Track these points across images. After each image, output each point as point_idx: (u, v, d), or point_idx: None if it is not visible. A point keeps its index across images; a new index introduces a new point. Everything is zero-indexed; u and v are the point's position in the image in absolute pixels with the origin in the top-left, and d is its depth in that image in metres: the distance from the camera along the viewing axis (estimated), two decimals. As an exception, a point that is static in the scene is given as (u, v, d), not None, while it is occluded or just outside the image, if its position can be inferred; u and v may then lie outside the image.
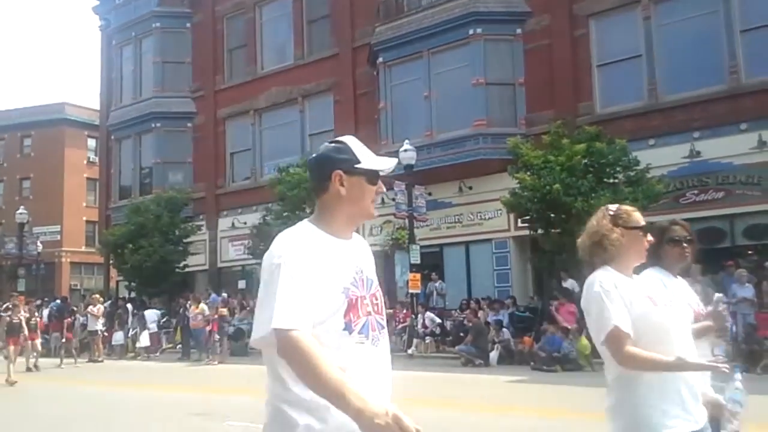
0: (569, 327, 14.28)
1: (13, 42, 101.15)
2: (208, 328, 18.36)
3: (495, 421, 8.68)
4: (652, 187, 14.65)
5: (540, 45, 19.20)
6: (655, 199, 14.70)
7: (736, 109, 16.06)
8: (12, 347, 14.85)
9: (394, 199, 18.94)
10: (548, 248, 15.45)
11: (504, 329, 15.82)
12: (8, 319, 15.57)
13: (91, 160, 42.31)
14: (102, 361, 19.34)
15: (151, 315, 21.71)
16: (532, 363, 14.40)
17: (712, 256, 15.77)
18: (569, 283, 16.38)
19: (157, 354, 20.83)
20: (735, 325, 13.22)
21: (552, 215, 15.22)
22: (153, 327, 21.35)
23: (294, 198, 19.90)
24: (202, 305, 18.78)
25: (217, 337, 18.07)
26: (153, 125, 28.04)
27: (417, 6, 21.26)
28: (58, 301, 23.46)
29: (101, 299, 21.11)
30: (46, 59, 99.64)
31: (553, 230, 15.31)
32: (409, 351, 17.20)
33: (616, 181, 15.25)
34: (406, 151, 18.49)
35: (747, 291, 13.97)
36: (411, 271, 18.18)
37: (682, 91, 16.95)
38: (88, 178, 42.97)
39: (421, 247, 18.67)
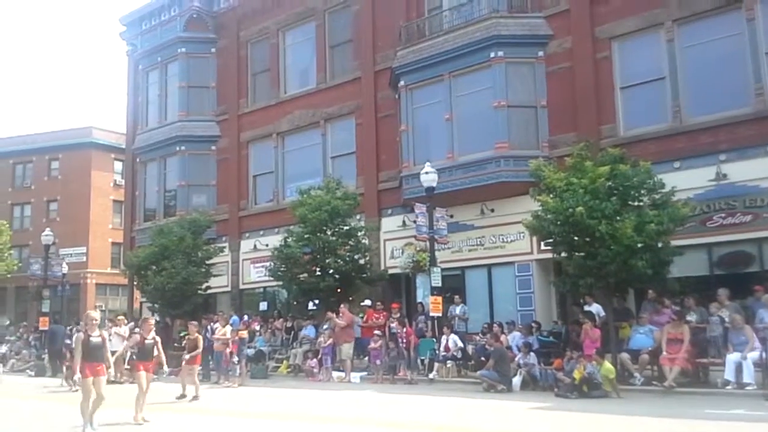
0: (590, 354, 13.99)
1: (42, 66, 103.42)
2: (228, 350, 18.30)
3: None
4: (678, 210, 14.38)
5: (562, 67, 19.13)
6: (680, 222, 14.43)
7: (762, 132, 15.78)
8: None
9: (415, 222, 18.91)
10: (572, 272, 15.20)
11: (531, 353, 15.57)
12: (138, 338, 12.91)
13: (117, 182, 42.92)
14: (123, 383, 19.22)
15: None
16: (555, 389, 14.13)
17: (739, 281, 15.47)
18: (594, 308, 16.13)
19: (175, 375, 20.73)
20: (765, 352, 12.89)
21: (575, 238, 14.98)
22: None
23: (315, 220, 19.90)
24: (227, 328, 18.74)
25: (236, 359, 17.99)
26: (178, 148, 28.37)
27: (438, 30, 21.33)
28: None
29: (125, 320, 21.17)
30: (74, 84, 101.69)
31: (576, 253, 15.07)
32: (431, 375, 17.00)
33: (641, 204, 14.99)
34: (427, 173, 18.46)
35: (776, 316, 13.61)
36: (432, 294, 18.03)
37: (707, 114, 16.73)
38: (114, 201, 43.61)
39: (443, 269, 18.53)
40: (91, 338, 10.19)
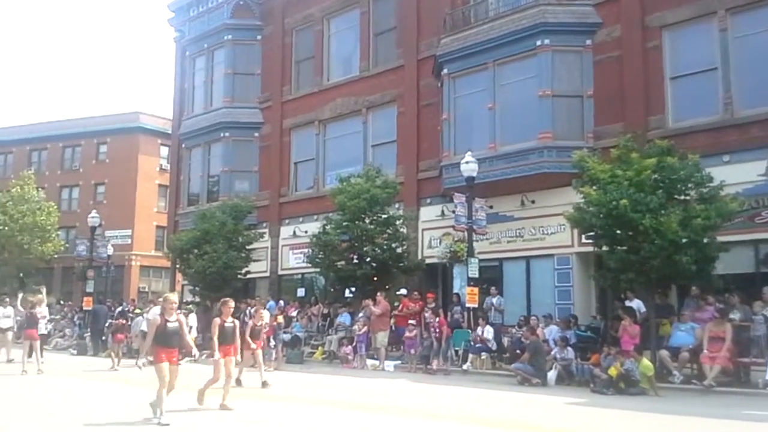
0: (628, 350, 13.66)
1: (93, 52, 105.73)
2: (264, 334, 18.38)
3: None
4: (726, 205, 13.91)
5: (610, 56, 18.66)
6: (728, 217, 13.98)
7: (816, 126, 15.19)
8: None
9: (453, 212, 18.73)
10: (613, 266, 14.85)
11: (569, 348, 15.30)
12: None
13: (163, 167, 43.56)
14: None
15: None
16: (591, 385, 13.85)
17: (787, 280, 14.92)
18: (635, 303, 15.77)
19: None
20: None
21: (618, 232, 14.63)
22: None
23: (353, 208, 19.87)
24: (266, 312, 18.87)
25: (272, 343, 18.10)
26: (222, 135, 28.65)
27: (484, 17, 21.03)
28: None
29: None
30: (123, 69, 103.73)
31: (618, 247, 14.72)
32: (464, 366, 16.86)
33: (688, 198, 14.57)
34: (467, 163, 18.26)
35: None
36: (469, 285, 17.86)
37: (759, 106, 16.12)
38: (159, 185, 44.29)
39: (480, 260, 18.34)
40: (168, 323, 9.45)
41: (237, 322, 11.36)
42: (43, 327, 18.40)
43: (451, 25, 21.67)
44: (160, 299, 20.23)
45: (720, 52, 16.92)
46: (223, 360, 10.64)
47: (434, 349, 17.16)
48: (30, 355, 16.75)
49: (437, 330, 17.17)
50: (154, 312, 18.85)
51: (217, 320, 10.94)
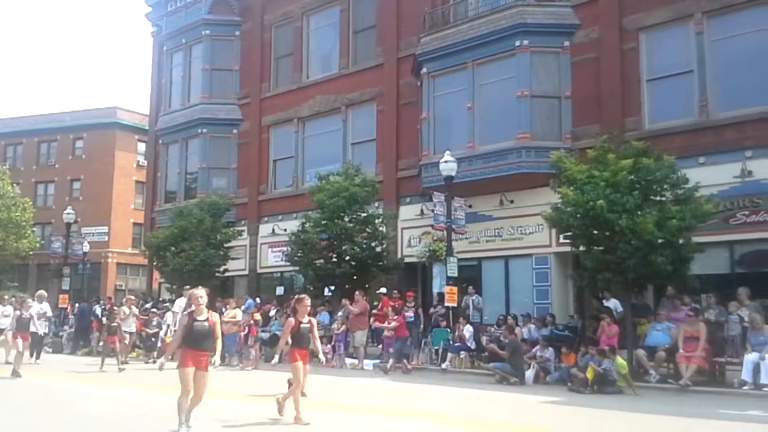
0: (605, 348, 13.82)
1: (70, 47, 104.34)
2: (243, 333, 18.34)
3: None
4: (701, 206, 14.11)
5: (588, 58, 18.81)
6: (703, 219, 14.16)
7: (790, 129, 15.43)
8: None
9: (433, 211, 18.79)
10: (590, 266, 15.00)
11: (549, 348, 15.44)
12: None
13: (140, 163, 43.20)
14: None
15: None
16: (569, 384, 13.98)
17: (761, 281, 15.16)
18: (612, 303, 15.95)
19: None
20: (784, 353, 12.64)
21: (595, 232, 14.79)
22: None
23: (332, 206, 19.84)
24: (236, 310, 18.79)
25: (251, 341, 18.03)
26: (200, 131, 28.44)
27: (463, 17, 21.09)
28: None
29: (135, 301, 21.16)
30: (100, 64, 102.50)
31: (595, 247, 14.88)
32: (443, 365, 16.93)
33: (663, 198, 14.75)
34: (446, 162, 18.31)
35: (798, 317, 13.34)
36: (448, 284, 17.93)
37: (734, 109, 16.35)
38: (136, 181, 43.92)
39: (460, 260, 18.41)
40: (196, 322, 8.21)
41: (314, 322, 10.00)
42: (34, 327, 17.75)
43: (430, 24, 21.70)
44: (185, 294, 19.33)
45: (696, 55, 17.12)
46: (301, 365, 9.32)
47: (417, 348, 17.23)
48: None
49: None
50: (180, 304, 18.46)
51: (292, 320, 9.60)
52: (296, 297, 10.27)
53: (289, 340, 9.64)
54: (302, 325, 9.53)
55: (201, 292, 8.44)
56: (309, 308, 9.86)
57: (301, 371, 9.28)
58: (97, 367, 17.47)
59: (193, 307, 8.38)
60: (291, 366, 9.48)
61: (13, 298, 19.22)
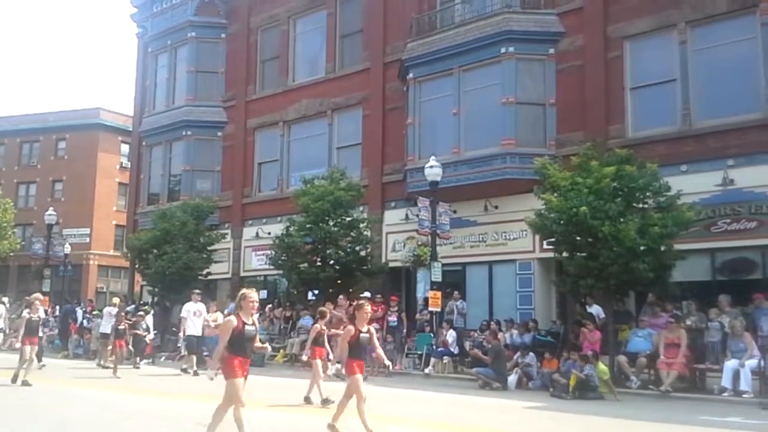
0: (588, 354, 13.90)
1: (52, 47, 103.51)
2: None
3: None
4: (683, 214, 14.26)
5: (573, 65, 18.95)
6: (685, 226, 14.31)
7: (771, 138, 15.61)
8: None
9: (417, 215, 18.82)
10: (573, 272, 15.09)
11: (531, 353, 15.50)
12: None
13: (123, 165, 42.89)
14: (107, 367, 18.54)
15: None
16: (551, 389, 14.04)
17: (741, 288, 15.32)
18: (594, 309, 16.05)
19: (176, 360, 20.70)
20: (763, 360, 12.78)
21: (578, 238, 14.90)
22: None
23: (317, 210, 19.81)
24: (217, 314, 18.66)
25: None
26: (184, 133, 28.29)
27: (450, 23, 21.18)
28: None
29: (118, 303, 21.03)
30: (84, 65, 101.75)
31: (578, 254, 14.97)
32: (426, 370, 16.94)
33: (646, 206, 14.89)
34: (431, 167, 18.36)
35: (777, 325, 13.48)
36: (432, 289, 17.95)
37: (716, 117, 16.54)
38: (119, 183, 43.61)
39: (444, 265, 18.45)
40: (246, 326, 7.31)
41: (373, 331, 8.95)
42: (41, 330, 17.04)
43: (417, 29, 21.76)
44: (193, 299, 18.77)
45: (679, 64, 17.30)
46: (360, 378, 8.50)
47: (401, 353, 17.24)
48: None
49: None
50: (187, 308, 17.94)
51: (351, 328, 8.58)
52: (356, 303, 9.23)
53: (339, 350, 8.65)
54: (362, 335, 8.57)
55: (254, 295, 7.54)
56: (369, 315, 8.86)
57: (361, 385, 8.42)
58: (107, 372, 17.30)
59: (240, 310, 7.43)
60: (350, 379, 8.50)
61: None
